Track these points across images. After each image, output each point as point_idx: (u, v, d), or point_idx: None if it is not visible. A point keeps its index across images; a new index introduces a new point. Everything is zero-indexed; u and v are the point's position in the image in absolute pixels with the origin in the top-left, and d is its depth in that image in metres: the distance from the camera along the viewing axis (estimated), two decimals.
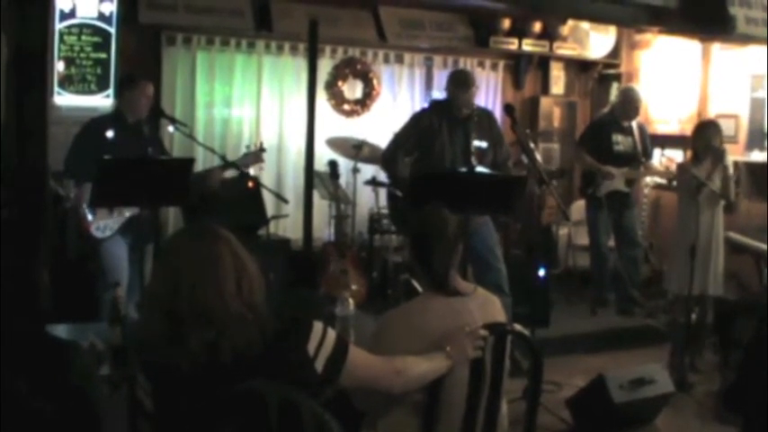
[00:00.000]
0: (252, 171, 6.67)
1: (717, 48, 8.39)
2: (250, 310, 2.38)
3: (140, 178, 4.93)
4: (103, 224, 5.55)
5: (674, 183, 6.86)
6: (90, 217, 5.51)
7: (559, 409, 5.38)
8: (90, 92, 7.37)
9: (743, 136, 8.14)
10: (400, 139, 6.32)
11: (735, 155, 8.14)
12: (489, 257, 6.18)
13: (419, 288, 3.27)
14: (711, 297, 6.35)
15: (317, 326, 2.51)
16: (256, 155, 6.21)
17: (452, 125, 6.10)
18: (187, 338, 2.31)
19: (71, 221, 5.65)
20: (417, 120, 6.33)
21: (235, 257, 2.41)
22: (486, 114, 6.30)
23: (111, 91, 7.34)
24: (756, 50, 7.74)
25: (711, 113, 8.45)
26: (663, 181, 8.32)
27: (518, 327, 3.14)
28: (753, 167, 7.97)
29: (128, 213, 5.58)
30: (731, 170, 6.40)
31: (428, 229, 3.19)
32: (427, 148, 6.12)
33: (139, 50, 7.72)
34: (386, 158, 6.38)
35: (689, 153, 6.67)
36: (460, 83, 6.11)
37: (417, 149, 6.21)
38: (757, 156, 7.93)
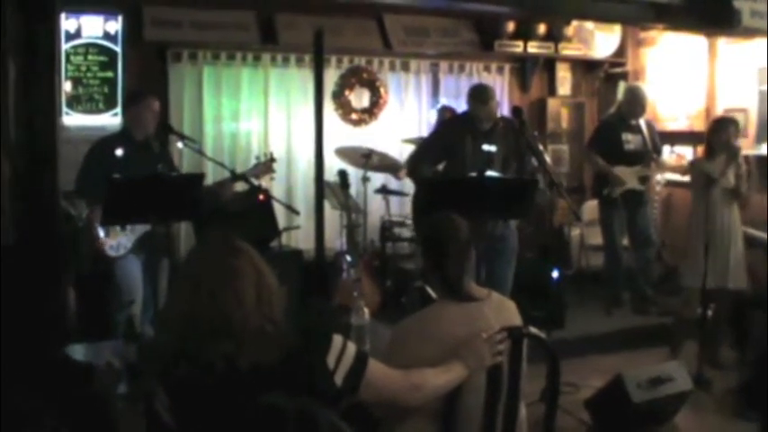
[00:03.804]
0: (263, 182, 6.70)
1: (723, 42, 8.38)
2: (270, 322, 2.37)
3: (151, 195, 4.95)
4: (117, 243, 5.57)
5: (688, 177, 6.84)
6: (103, 236, 5.53)
7: (578, 411, 5.36)
8: (98, 111, 7.42)
9: (752, 129, 8.12)
10: (423, 149, 6.54)
11: (745, 149, 8.11)
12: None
13: (433, 295, 3.27)
14: (731, 291, 6.31)
15: (337, 339, 2.51)
16: (266, 165, 6.24)
17: (475, 136, 6.17)
18: (206, 351, 2.31)
19: (84, 241, 5.67)
20: (439, 131, 6.46)
21: (255, 270, 2.41)
22: (512, 128, 6.31)
23: (118, 109, 7.40)
24: (763, 43, 7.72)
25: (719, 108, 8.44)
26: (675, 177, 8.29)
27: (533, 329, 3.13)
28: (763, 160, 7.95)
29: (140, 231, 5.60)
30: (744, 167, 6.38)
31: (440, 235, 3.20)
32: (453, 160, 6.20)
33: (146, 68, 7.76)
34: (410, 169, 6.61)
35: (701, 149, 6.64)
36: (478, 98, 6.21)
37: (443, 160, 6.29)
38: (766, 149, 7.90)
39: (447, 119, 7.39)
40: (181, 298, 2.41)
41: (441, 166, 6.44)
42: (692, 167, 6.64)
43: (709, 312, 6.35)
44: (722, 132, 6.31)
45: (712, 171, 6.20)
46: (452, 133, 6.31)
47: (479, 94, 6.22)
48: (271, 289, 2.43)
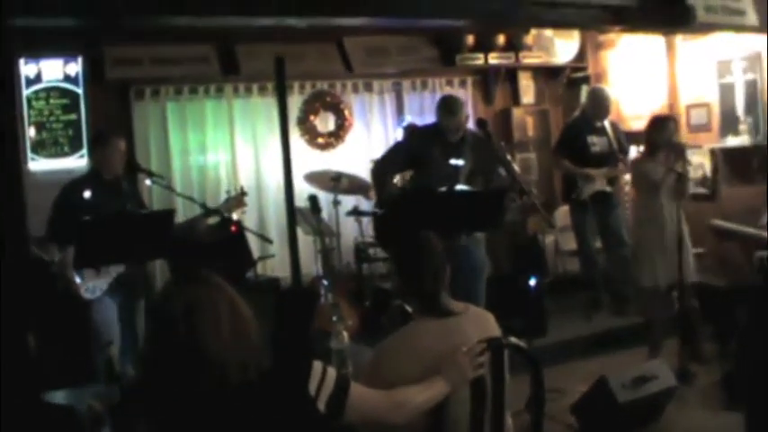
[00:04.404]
0: (234, 215, 6.68)
1: (680, 39, 8.47)
2: (248, 354, 2.37)
3: (122, 235, 4.94)
4: (92, 285, 5.53)
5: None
6: (78, 279, 5.49)
7: (564, 416, 5.37)
8: (64, 154, 7.38)
9: (715, 123, 8.20)
10: (389, 158, 6.49)
11: (709, 142, 8.21)
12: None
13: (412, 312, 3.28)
14: (692, 285, 6.36)
15: (317, 365, 2.51)
16: (237, 199, 6.24)
17: (443, 148, 6.18)
18: (186, 383, 2.30)
19: (58, 286, 5.63)
20: (407, 140, 6.46)
21: (228, 302, 2.41)
22: (481, 140, 6.35)
23: (84, 151, 7.36)
24: (719, 37, 7.82)
25: (682, 104, 8.53)
26: None
27: (513, 339, 3.15)
28: (729, 153, 8.03)
29: (115, 272, 5.57)
30: (689, 164, 6.44)
31: (413, 253, 3.22)
32: (420, 170, 6.21)
33: (109, 107, 7.72)
34: (373, 173, 6.59)
35: (643, 148, 6.65)
36: (447, 109, 6.23)
37: (410, 170, 6.31)
38: (732, 141, 7.98)
39: (415, 129, 7.38)
40: (158, 334, 2.40)
41: (397, 179, 6.43)
42: (635, 168, 6.67)
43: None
44: (664, 131, 6.34)
45: (655, 172, 6.24)
46: (420, 144, 6.33)
47: (448, 106, 6.25)
48: (246, 320, 2.43)
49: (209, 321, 2.34)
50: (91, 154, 6.60)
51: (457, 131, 6.20)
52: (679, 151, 6.25)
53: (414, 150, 6.35)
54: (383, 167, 6.47)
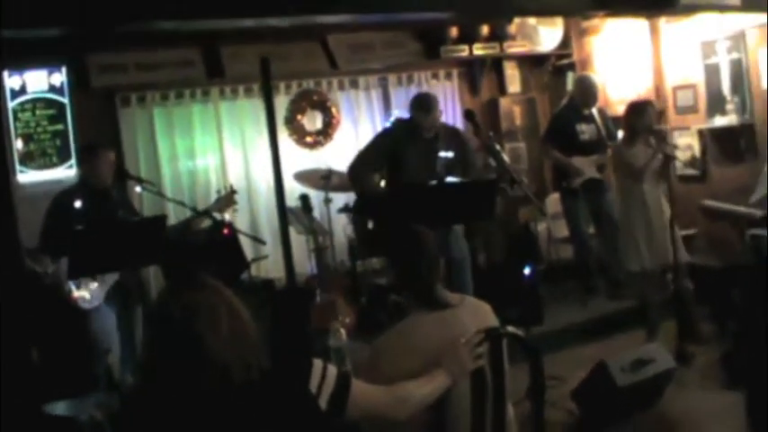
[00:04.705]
0: (227, 215, 6.68)
1: (663, 22, 8.47)
2: (249, 354, 2.38)
3: (115, 243, 4.93)
4: (89, 294, 5.53)
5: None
6: (75, 290, 5.49)
7: (565, 402, 5.39)
8: (52, 165, 7.36)
9: (702, 104, 8.20)
10: (365, 156, 6.47)
11: (697, 123, 8.23)
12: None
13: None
14: (683, 265, 6.38)
15: (317, 363, 2.51)
16: (228, 198, 6.25)
17: (418, 144, 6.18)
18: (188, 387, 2.31)
19: (54, 297, 5.62)
20: (383, 137, 6.43)
21: (226, 304, 2.41)
22: (453, 132, 6.35)
23: (73, 161, 7.34)
24: (702, 18, 7.82)
25: (668, 87, 8.54)
26: None
27: (510, 328, 3.15)
28: (717, 133, 8.04)
29: (111, 280, 5.56)
30: (673, 148, 6.45)
31: (407, 247, 3.22)
32: (395, 167, 6.20)
33: (96, 116, 7.68)
34: (352, 175, 6.50)
35: (623, 134, 6.65)
36: (421, 107, 6.22)
37: (385, 168, 6.29)
38: (719, 121, 7.99)
39: (388, 127, 7.33)
40: (156, 340, 2.40)
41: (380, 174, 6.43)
42: (615, 154, 6.68)
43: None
44: (643, 116, 6.35)
45: (636, 158, 6.25)
46: (397, 141, 6.32)
47: (423, 104, 6.25)
48: (244, 321, 2.43)
49: (208, 324, 2.34)
50: (80, 165, 6.57)
51: (431, 129, 6.20)
52: (661, 136, 6.26)
53: (390, 148, 6.34)
54: (361, 168, 6.44)
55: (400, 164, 6.20)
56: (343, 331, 3.84)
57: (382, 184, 6.62)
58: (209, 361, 2.31)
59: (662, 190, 6.33)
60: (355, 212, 6.79)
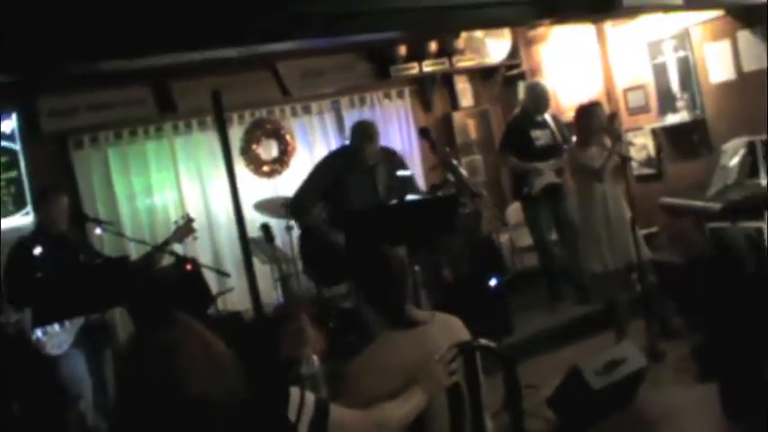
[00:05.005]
0: (187, 244, 6.62)
1: (609, 26, 8.56)
2: (225, 386, 2.35)
3: (78, 288, 4.88)
4: (57, 341, 5.45)
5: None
6: (42, 337, 5.41)
7: (542, 410, 5.39)
8: (8, 213, 7.27)
9: (653, 103, 8.29)
10: (305, 189, 6.39)
11: (649, 122, 8.31)
12: None
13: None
14: (647, 262, 6.42)
15: (294, 391, 2.50)
16: (186, 226, 6.24)
17: (359, 172, 6.18)
18: (164, 423, 2.28)
19: (20, 346, 5.54)
20: (322, 168, 6.38)
21: (198, 338, 2.39)
22: (392, 153, 6.35)
23: (29, 208, 7.26)
24: (647, 19, 7.91)
25: (619, 89, 8.62)
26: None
27: (483, 341, 3.15)
28: (670, 131, 8.13)
29: (78, 324, 5.50)
30: (627, 147, 6.50)
31: (374, 269, 3.21)
32: (337, 198, 6.15)
33: (49, 160, 7.63)
34: (292, 209, 6.51)
35: (576, 137, 6.70)
36: (364, 135, 6.18)
37: (327, 199, 6.24)
38: (672, 119, 8.07)
39: (327, 157, 7.21)
40: (131, 381, 2.38)
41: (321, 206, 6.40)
42: (571, 158, 6.72)
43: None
44: (592, 118, 6.40)
45: (592, 160, 6.30)
46: (338, 171, 6.26)
47: (365, 131, 6.22)
48: (219, 353, 2.41)
49: (182, 359, 2.32)
50: (35, 211, 6.51)
51: (373, 156, 6.19)
52: (615, 136, 6.31)
53: (332, 178, 6.27)
54: (301, 204, 6.38)
55: (341, 194, 6.16)
56: (315, 358, 3.82)
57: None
58: (186, 396, 2.29)
59: (620, 190, 6.37)
60: (300, 248, 6.73)
